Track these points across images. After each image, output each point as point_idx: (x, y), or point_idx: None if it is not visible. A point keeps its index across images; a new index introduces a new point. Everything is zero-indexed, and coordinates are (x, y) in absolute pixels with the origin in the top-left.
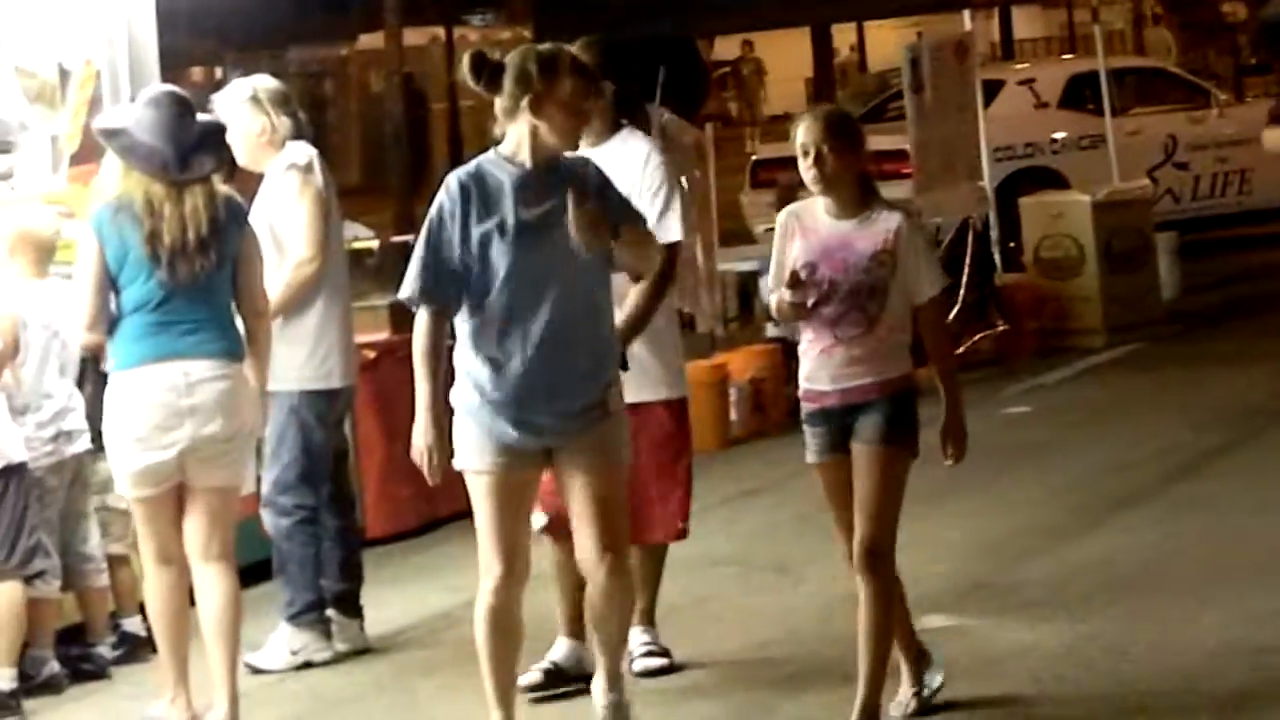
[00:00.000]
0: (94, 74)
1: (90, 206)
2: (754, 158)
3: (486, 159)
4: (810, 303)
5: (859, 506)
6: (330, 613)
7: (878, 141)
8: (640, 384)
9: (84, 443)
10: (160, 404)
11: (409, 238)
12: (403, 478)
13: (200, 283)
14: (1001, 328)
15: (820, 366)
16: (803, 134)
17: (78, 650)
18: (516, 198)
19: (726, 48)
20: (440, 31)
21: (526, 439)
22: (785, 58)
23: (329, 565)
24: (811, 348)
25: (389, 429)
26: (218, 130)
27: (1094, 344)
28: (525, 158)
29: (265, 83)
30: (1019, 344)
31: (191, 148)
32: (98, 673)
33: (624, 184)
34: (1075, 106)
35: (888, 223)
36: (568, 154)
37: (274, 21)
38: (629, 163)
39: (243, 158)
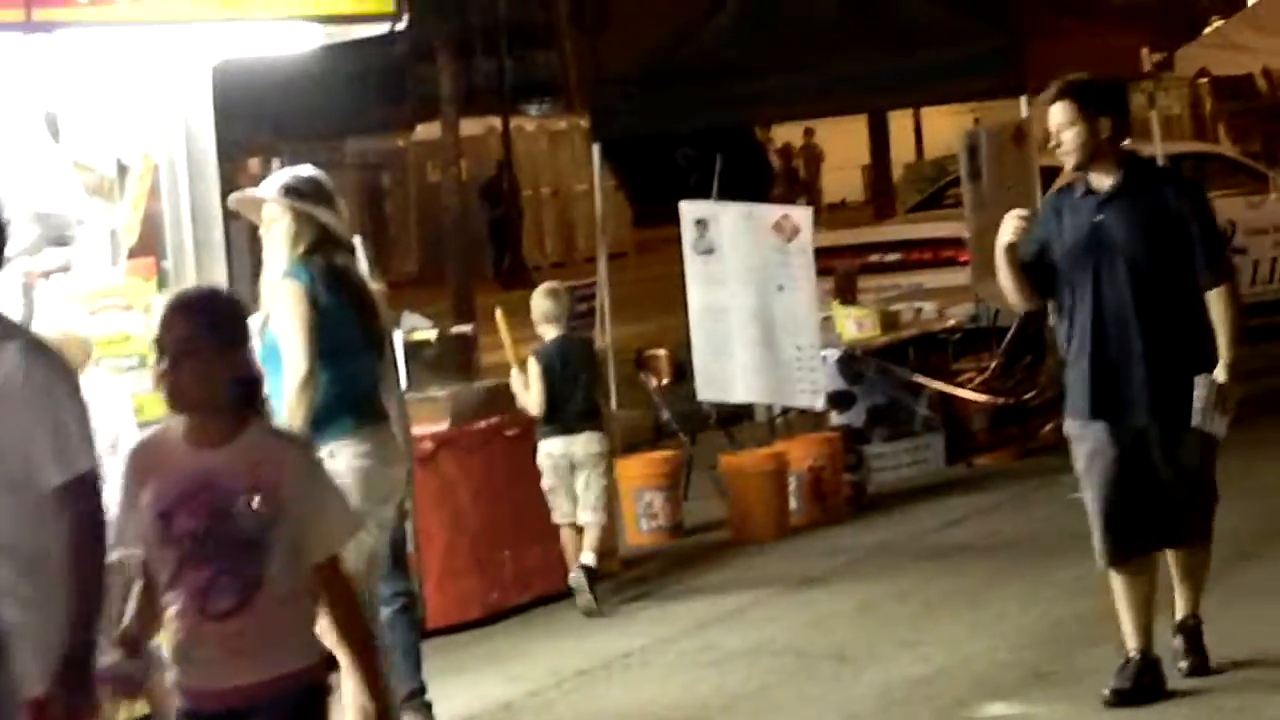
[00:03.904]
0: (152, 167)
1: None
2: None
3: None
4: (171, 572)
5: None
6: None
7: (936, 229)
8: None
9: None
10: None
11: (468, 328)
12: (463, 568)
13: None
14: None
15: (189, 651)
16: (161, 325)
17: None
18: None
19: (789, 134)
20: (496, 122)
21: None
22: (843, 145)
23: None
24: (178, 625)
25: (449, 520)
26: None
27: None
28: None
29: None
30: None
31: None
32: None
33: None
34: None
35: (269, 451)
36: None
37: (331, 113)
38: None
39: None
